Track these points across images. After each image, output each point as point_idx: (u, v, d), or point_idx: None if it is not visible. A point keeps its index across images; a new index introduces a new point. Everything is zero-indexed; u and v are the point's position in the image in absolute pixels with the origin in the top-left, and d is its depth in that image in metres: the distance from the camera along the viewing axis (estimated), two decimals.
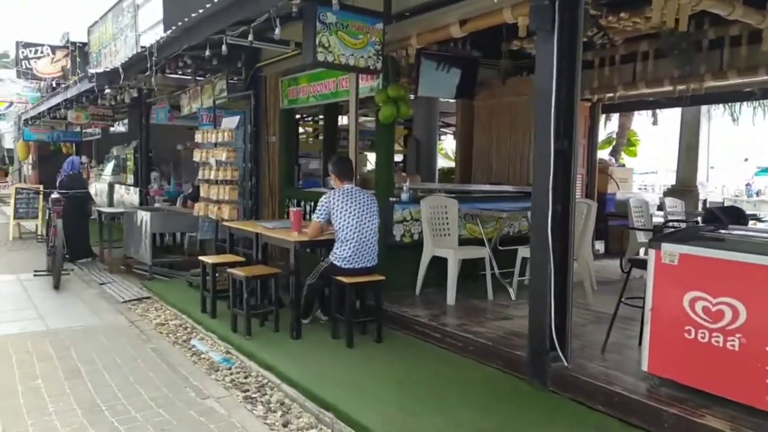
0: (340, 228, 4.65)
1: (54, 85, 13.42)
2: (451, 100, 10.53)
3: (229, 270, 5.04)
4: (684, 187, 10.53)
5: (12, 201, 11.23)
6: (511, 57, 8.38)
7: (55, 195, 7.44)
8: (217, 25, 5.43)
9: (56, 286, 6.82)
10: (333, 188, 4.95)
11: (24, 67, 13.51)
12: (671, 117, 10.82)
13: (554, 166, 3.55)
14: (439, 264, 5.65)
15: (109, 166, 14.16)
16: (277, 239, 5.06)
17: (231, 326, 5.05)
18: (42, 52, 13.55)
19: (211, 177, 6.50)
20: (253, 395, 3.88)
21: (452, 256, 5.41)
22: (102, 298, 6.53)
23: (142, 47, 7.28)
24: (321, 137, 13.09)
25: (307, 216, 6.32)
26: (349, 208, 4.65)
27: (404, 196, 5.75)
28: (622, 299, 4.05)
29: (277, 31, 4.59)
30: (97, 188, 13.94)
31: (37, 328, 5.31)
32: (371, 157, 13.63)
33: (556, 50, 3.49)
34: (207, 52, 5.71)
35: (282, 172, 7.51)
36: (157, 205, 9.17)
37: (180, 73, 8.61)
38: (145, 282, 7.15)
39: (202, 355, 4.66)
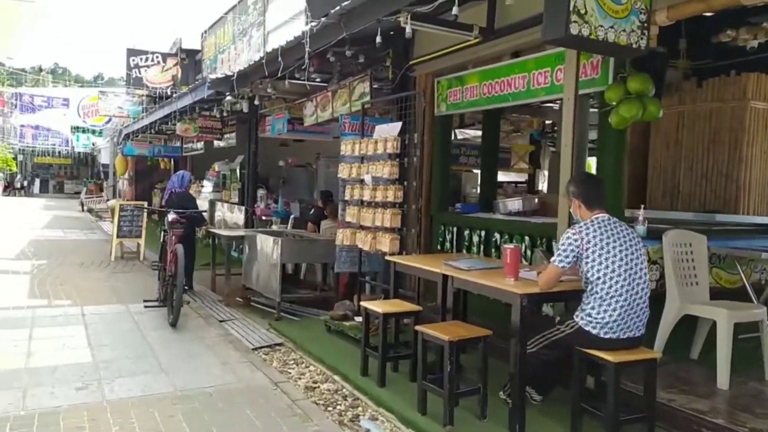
0: (599, 279, 3.15)
1: (163, 95, 12.81)
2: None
3: (420, 328, 3.65)
4: None
5: (115, 219, 10.51)
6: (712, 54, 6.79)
7: (172, 215, 6.37)
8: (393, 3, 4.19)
9: (173, 324, 5.73)
10: (575, 220, 3.50)
11: (134, 75, 13.02)
12: None
13: None
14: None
15: (210, 183, 13.44)
16: (488, 288, 3.60)
17: (418, 407, 3.66)
18: (152, 60, 13.02)
19: (365, 198, 5.20)
20: None
21: (725, 318, 3.80)
22: (228, 343, 5.35)
23: (272, 49, 6.22)
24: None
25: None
26: (612, 249, 3.16)
27: (640, 229, 4.19)
28: None
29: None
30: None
31: (163, 389, 4.14)
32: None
33: None
34: (378, 39, 4.43)
35: (434, 193, 6.16)
36: (274, 227, 8.05)
37: (304, 79, 7.50)
38: (273, 322, 5.95)
39: None
